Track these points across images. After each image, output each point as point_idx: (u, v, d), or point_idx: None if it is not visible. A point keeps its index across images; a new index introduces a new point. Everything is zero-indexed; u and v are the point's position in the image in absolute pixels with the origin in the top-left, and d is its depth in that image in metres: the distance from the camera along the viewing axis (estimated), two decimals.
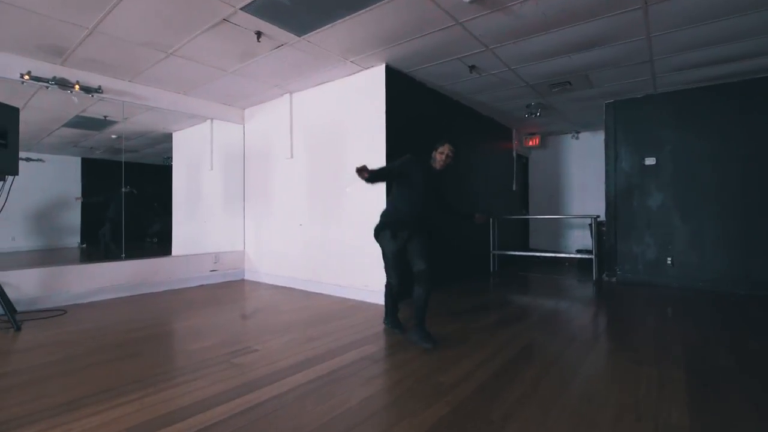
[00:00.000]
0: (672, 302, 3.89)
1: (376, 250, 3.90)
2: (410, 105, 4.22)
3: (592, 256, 5.16)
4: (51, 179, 7.40)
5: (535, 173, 7.70)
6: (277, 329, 2.98)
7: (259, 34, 3.16)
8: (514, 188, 6.76)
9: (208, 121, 5.89)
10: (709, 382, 2.00)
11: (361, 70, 3.97)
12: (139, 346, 2.56)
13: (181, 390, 1.89)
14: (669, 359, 2.33)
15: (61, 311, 3.48)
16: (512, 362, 2.27)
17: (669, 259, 4.73)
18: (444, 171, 2.77)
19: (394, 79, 3.94)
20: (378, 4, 2.73)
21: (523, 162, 7.52)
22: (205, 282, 4.85)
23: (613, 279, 5.08)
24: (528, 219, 7.58)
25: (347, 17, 2.91)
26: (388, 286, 2.88)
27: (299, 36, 3.23)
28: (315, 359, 2.32)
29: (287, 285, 4.70)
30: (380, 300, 3.79)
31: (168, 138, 7.09)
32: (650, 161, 4.84)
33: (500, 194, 6.36)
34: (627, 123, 5.01)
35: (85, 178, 7.70)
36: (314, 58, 3.67)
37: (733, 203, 4.37)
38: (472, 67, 3.88)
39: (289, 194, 4.76)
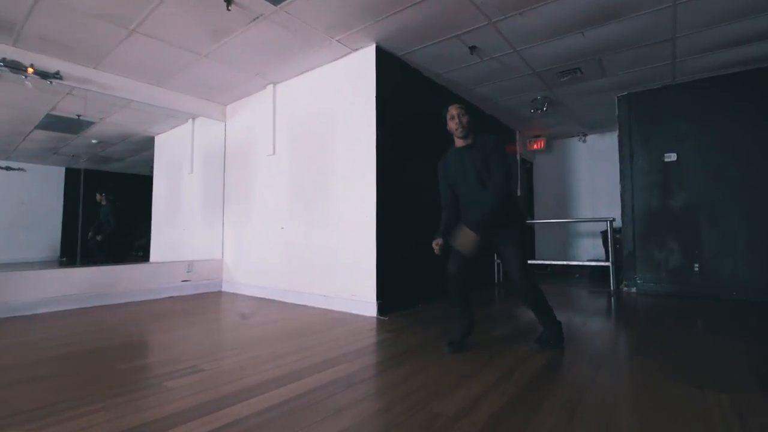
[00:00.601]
0: (705, 314, 3.35)
1: (366, 254, 3.44)
2: (405, 96, 3.78)
3: (609, 264, 4.63)
4: (32, 190, 6.98)
5: (541, 179, 7.23)
6: (238, 345, 2.45)
7: (228, 1, 2.75)
8: (518, 194, 6.28)
9: (190, 121, 5.49)
10: None
11: (349, 53, 3.55)
12: (59, 366, 2.03)
13: (74, 425, 1.37)
14: (735, 381, 1.79)
15: None
16: (531, 387, 1.74)
17: (696, 265, 4.21)
18: (479, 143, 2.23)
19: (386, 63, 3.52)
20: None
21: (527, 167, 7.07)
22: (175, 293, 4.33)
23: (633, 289, 4.54)
24: (534, 227, 7.08)
25: None
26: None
27: (275, 5, 2.82)
28: (273, 382, 1.80)
29: (267, 296, 4.17)
30: (368, 311, 3.27)
31: (151, 143, 6.69)
32: (670, 158, 4.38)
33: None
34: (643, 117, 4.57)
35: (68, 188, 7.29)
36: (295, 36, 3.26)
37: (765, 202, 3.88)
38: (472, 48, 3.46)
39: (270, 194, 4.29)
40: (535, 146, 6.59)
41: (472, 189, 2.20)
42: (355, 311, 3.37)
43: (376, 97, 3.39)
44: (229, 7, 2.78)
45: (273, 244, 4.20)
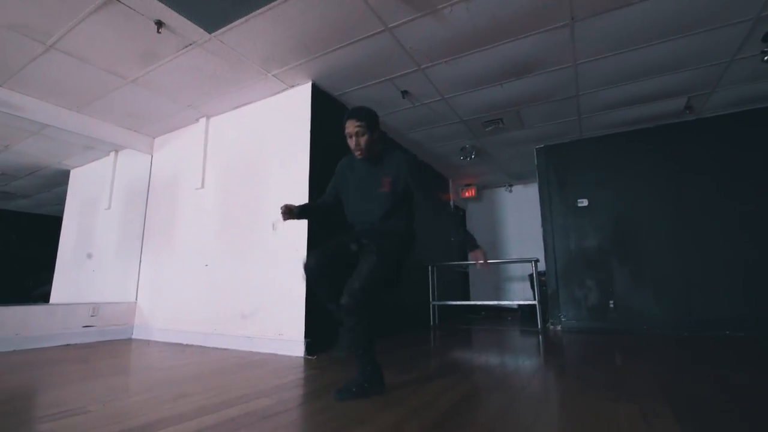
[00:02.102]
0: (620, 346, 3.54)
1: (295, 291, 3.27)
2: (341, 136, 3.87)
3: (535, 303, 4.83)
4: None
5: (473, 225, 7.57)
6: (138, 387, 2.13)
7: (159, 23, 2.72)
8: (452, 238, 6.49)
9: (112, 154, 5.14)
10: (697, 414, 1.54)
11: (286, 89, 3.62)
12: None
13: None
14: (643, 394, 1.86)
15: None
16: (453, 411, 1.67)
17: (611, 302, 4.53)
18: (388, 163, 2.07)
19: (322, 102, 3.62)
20: None
21: (461, 214, 7.41)
22: (75, 341, 3.75)
23: (558, 327, 4.74)
24: (468, 273, 7.28)
25: (264, 7, 2.58)
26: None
27: (210, 33, 2.83)
28: (173, 419, 1.55)
29: (184, 341, 3.76)
30: (296, 351, 3.06)
31: (65, 178, 6.11)
32: (583, 203, 4.83)
33: (438, 244, 6.04)
34: (558, 166, 5.07)
35: None
36: (230, 68, 3.27)
37: (667, 242, 4.36)
38: (404, 93, 3.69)
39: (195, 230, 4.02)
40: (466, 194, 6.97)
41: (370, 203, 2.06)
42: (282, 352, 3.12)
43: (311, 136, 3.43)
44: (160, 30, 2.74)
45: (195, 283, 3.87)
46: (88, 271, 5.12)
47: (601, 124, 4.53)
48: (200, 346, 3.58)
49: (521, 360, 2.93)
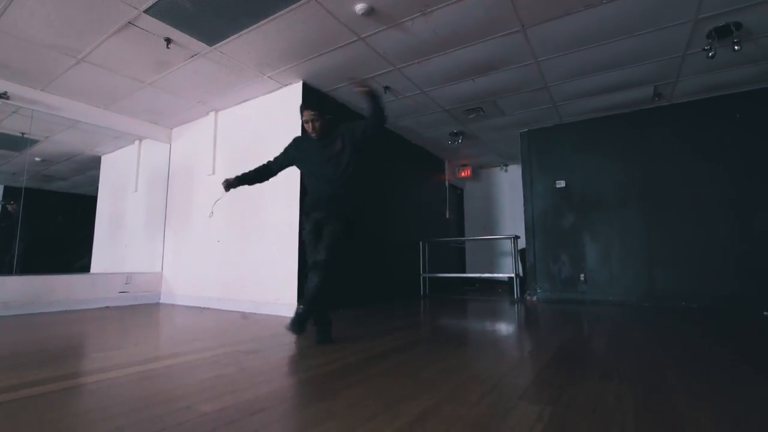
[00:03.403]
0: (585, 312, 4.02)
1: (288, 265, 3.88)
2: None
3: (513, 275, 5.30)
4: None
5: (470, 204, 8.01)
6: (162, 335, 2.78)
7: (168, 40, 3.24)
8: (447, 216, 6.97)
9: (136, 142, 5.79)
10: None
11: (280, 87, 4.11)
12: None
13: None
14: (551, 350, 2.37)
15: None
16: (387, 350, 2.23)
17: (582, 275, 4.95)
18: (342, 140, 2.48)
19: (313, 97, 4.09)
20: (279, 13, 2.90)
21: (458, 193, 7.83)
22: (112, 304, 4.51)
23: (534, 297, 5.22)
24: (464, 248, 7.77)
25: (253, 26, 3.05)
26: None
27: (210, 46, 3.33)
28: (183, 353, 2.18)
29: (202, 305, 4.46)
30: (290, 312, 3.67)
31: (97, 163, 6.84)
32: (560, 184, 5.20)
33: (433, 221, 6.53)
34: (539, 149, 5.41)
35: (5, 206, 7.21)
36: (230, 72, 3.77)
37: (635, 221, 4.72)
38: (386, 88, 4.11)
39: (209, 210, 4.65)
40: (463, 174, 7.36)
41: (324, 172, 2.45)
42: (279, 313, 3.74)
43: (302, 127, 3.92)
44: (169, 46, 3.26)
45: (209, 256, 4.53)
46: (121, 245, 5.89)
47: (578, 110, 4.83)
48: (215, 308, 4.27)
49: (471, 323, 3.46)
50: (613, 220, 4.85)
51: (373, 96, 2.36)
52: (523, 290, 5.36)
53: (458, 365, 1.91)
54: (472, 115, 4.90)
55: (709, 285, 4.24)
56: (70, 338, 2.66)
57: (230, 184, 2.68)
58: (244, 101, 4.45)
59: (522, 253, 5.90)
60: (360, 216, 2.70)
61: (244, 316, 3.05)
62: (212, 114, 4.73)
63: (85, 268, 6.42)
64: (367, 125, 2.45)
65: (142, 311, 4.14)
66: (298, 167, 2.71)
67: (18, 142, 5.68)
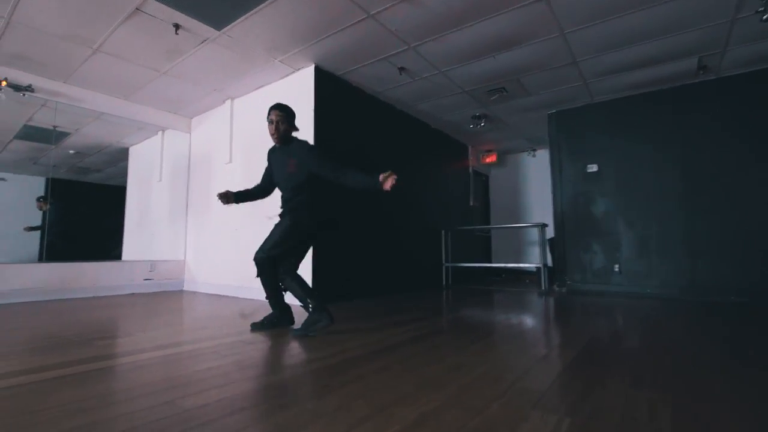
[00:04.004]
0: (620, 307, 3.74)
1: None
2: (348, 111, 4.24)
3: (540, 266, 5.04)
4: (11, 199, 7.24)
5: (496, 191, 7.71)
6: (173, 322, 2.78)
7: (177, 26, 3.18)
8: (471, 203, 6.73)
9: (159, 133, 5.88)
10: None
11: (293, 72, 4.00)
12: (29, 334, 2.36)
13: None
14: (577, 348, 2.18)
15: None
16: (398, 344, 2.11)
17: (616, 266, 4.63)
18: (295, 150, 2.47)
19: (326, 81, 3.97)
20: None
21: (483, 179, 7.54)
22: (137, 290, 4.63)
23: (564, 289, 4.94)
24: (490, 237, 7.51)
25: (257, 8, 2.94)
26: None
27: (218, 30, 3.26)
28: (186, 342, 2.14)
29: (221, 293, 4.50)
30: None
31: (126, 155, 7.04)
32: (592, 168, 4.85)
33: (455, 209, 6.31)
34: (568, 131, 5.07)
35: (49, 198, 7.55)
36: (241, 57, 3.70)
37: (675, 208, 4.34)
38: (401, 69, 3.93)
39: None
40: (487, 160, 7.07)
41: (280, 182, 2.55)
42: (294, 302, 3.70)
43: (315, 111, 3.82)
44: (177, 32, 3.21)
45: (227, 245, 4.54)
46: (148, 234, 6.05)
47: (611, 87, 4.46)
48: (233, 297, 4.29)
49: (494, 315, 3.28)
50: (651, 207, 4.49)
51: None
52: (551, 281, 5.10)
53: (470, 362, 1.76)
54: (494, 96, 4.63)
55: (760, 278, 3.85)
56: (82, 325, 2.69)
57: (228, 199, 2.65)
58: (259, 87, 4.39)
59: (550, 242, 5.61)
60: (328, 226, 2.70)
61: (243, 315, 3.03)
62: (228, 102, 4.70)
63: (120, 256, 6.67)
64: (328, 173, 2.37)
65: (163, 298, 4.21)
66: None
67: (51, 136, 5.91)
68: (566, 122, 5.10)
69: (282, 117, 2.46)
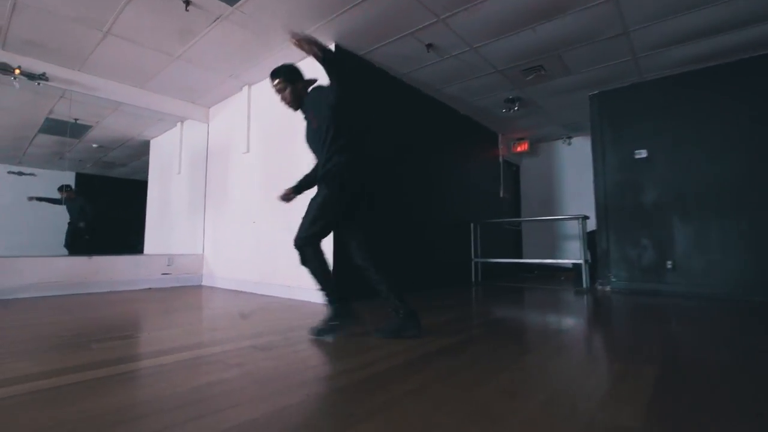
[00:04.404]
0: (673, 309, 3.31)
1: (324, 246, 3.53)
2: (372, 96, 3.92)
3: (581, 262, 4.61)
4: (41, 193, 7.31)
5: (527, 181, 7.25)
6: (183, 322, 2.56)
7: (187, 2, 2.94)
8: (501, 195, 6.31)
9: (179, 124, 5.74)
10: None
11: None
12: (22, 334, 2.18)
13: None
14: (665, 360, 1.81)
15: None
16: (431, 354, 1.80)
17: (669, 262, 4.16)
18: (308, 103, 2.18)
19: (348, 61, 3.66)
20: None
21: (513, 170, 7.09)
22: (154, 285, 4.49)
23: (607, 287, 4.50)
24: (520, 230, 7.07)
25: None
26: None
27: (231, 5, 3.00)
28: (190, 347, 1.89)
29: (239, 289, 4.29)
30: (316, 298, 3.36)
31: (148, 148, 6.98)
32: (641, 154, 4.37)
33: (485, 201, 5.92)
34: (613, 114, 4.59)
35: (77, 192, 7.60)
36: (257, 37, 3.44)
37: (740, 198, 3.83)
38: (429, 46, 3.58)
39: (244, 191, 4.45)
40: (518, 149, 6.63)
41: (313, 143, 2.19)
42: (314, 300, 3.45)
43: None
44: (188, 8, 2.97)
45: (245, 238, 4.33)
46: (167, 227, 5.94)
47: (665, 62, 3.97)
48: (251, 293, 4.08)
49: (536, 317, 2.92)
50: (710, 196, 3.99)
51: (314, 50, 1.87)
52: (593, 278, 4.66)
53: (527, 382, 1.44)
54: (531, 76, 4.21)
55: None
56: (97, 322, 2.51)
57: (289, 197, 2.38)
58: None
59: (591, 236, 5.16)
60: (372, 184, 2.31)
61: (243, 315, 2.79)
62: (246, 89, 4.46)
63: (141, 250, 6.62)
64: (330, 92, 2.04)
65: (179, 294, 4.04)
66: None
67: (73, 129, 5.86)
68: (610, 104, 4.62)
69: (282, 83, 2.15)
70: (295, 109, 2.21)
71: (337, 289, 2.12)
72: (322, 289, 2.11)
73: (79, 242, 6.11)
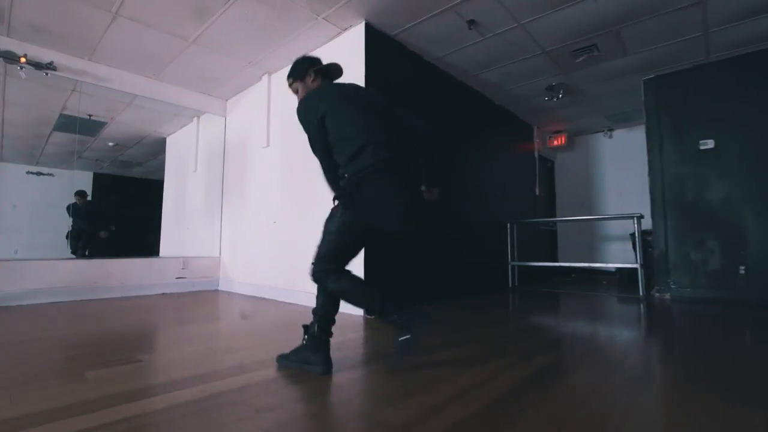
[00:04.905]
0: (754, 322, 2.82)
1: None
2: (403, 81, 3.53)
3: (637, 266, 4.12)
4: (59, 194, 7.15)
5: (563, 178, 6.74)
6: (196, 338, 2.21)
7: None
8: (537, 193, 5.84)
9: (195, 119, 5.46)
10: None
11: (339, 34, 3.34)
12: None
13: None
14: None
15: None
16: (517, 390, 1.39)
17: (742, 267, 3.65)
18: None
19: (379, 44, 3.28)
20: None
21: (548, 166, 6.60)
22: (168, 290, 4.19)
23: (666, 295, 4.01)
24: (555, 231, 6.57)
25: None
26: None
27: None
28: (207, 376, 1.53)
29: (260, 295, 3.95)
30: (355, 309, 2.97)
31: (164, 145, 6.75)
32: (707, 145, 3.87)
33: (520, 199, 5.46)
34: (673, 101, 4.09)
35: (95, 193, 7.43)
36: (279, 15, 3.08)
37: None
38: (471, 22, 3.17)
39: (264, 188, 4.10)
40: (555, 143, 6.14)
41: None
42: (342, 309, 3.07)
43: (365, 82, 3.14)
44: None
45: (266, 240, 3.99)
46: (183, 228, 5.67)
47: (738, 39, 3.47)
48: (272, 299, 3.73)
49: (616, 332, 2.48)
50: None
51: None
52: (648, 285, 4.16)
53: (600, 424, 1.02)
54: (581, 57, 3.75)
55: None
56: (88, 339, 2.18)
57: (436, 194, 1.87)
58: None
59: (634, 238, 4.67)
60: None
61: (243, 315, 2.42)
62: (265, 78, 4.12)
63: (157, 251, 6.38)
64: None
65: (194, 301, 3.72)
66: None
67: (89, 126, 5.65)
68: (669, 89, 4.11)
69: (293, 83, 1.91)
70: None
71: (389, 297, 1.65)
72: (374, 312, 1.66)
73: (90, 246, 5.89)
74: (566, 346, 2.09)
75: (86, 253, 5.76)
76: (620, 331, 2.50)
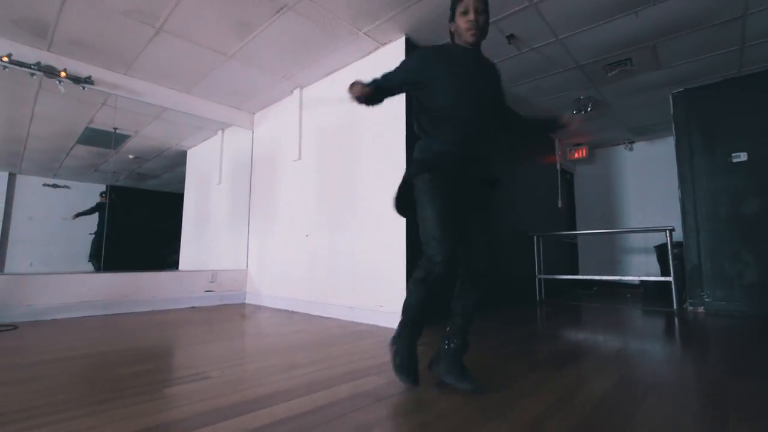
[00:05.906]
0: None
1: (392, 263, 3.13)
2: None
3: (669, 279, 4.08)
4: (75, 206, 7.16)
5: (583, 190, 6.74)
6: (253, 354, 2.18)
7: None
8: (559, 205, 5.83)
9: (219, 132, 5.49)
10: None
11: (378, 48, 3.37)
12: (53, 369, 1.83)
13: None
14: None
15: (12, 327, 2.86)
16: (593, 412, 1.36)
17: None
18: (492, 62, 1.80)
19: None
20: None
21: (568, 178, 6.60)
22: (198, 304, 4.15)
23: (700, 308, 3.96)
24: (576, 243, 6.55)
25: None
26: (421, 279, 1.58)
27: None
28: (286, 393, 1.50)
29: (290, 308, 3.92)
30: (395, 323, 2.93)
31: (184, 158, 6.77)
32: (740, 157, 3.87)
33: (544, 211, 5.45)
34: (704, 114, 4.10)
35: (109, 205, 7.43)
36: (321, 30, 3.12)
37: None
38: (510, 37, 3.20)
39: (295, 200, 4.10)
40: (575, 155, 6.16)
41: (471, 112, 1.61)
42: (382, 323, 3.04)
43: (406, 97, 3.15)
44: None
45: (297, 252, 3.97)
46: (206, 241, 5.65)
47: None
48: (305, 313, 3.69)
49: (667, 349, 2.44)
50: None
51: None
52: (680, 299, 4.12)
53: None
54: (614, 71, 3.78)
55: None
56: (112, 362, 2.15)
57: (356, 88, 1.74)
58: (332, 72, 3.80)
59: (661, 250, 4.65)
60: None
61: (243, 315, 2.37)
62: (297, 92, 4.15)
63: (176, 264, 6.35)
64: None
65: (225, 315, 3.68)
66: (418, 101, 1.79)
67: (112, 139, 5.69)
68: (700, 102, 4.13)
69: (483, 3, 1.62)
70: (475, 42, 1.64)
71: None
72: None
73: (108, 253, 5.85)
74: (630, 364, 2.05)
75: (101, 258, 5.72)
76: (660, 346, 2.46)
